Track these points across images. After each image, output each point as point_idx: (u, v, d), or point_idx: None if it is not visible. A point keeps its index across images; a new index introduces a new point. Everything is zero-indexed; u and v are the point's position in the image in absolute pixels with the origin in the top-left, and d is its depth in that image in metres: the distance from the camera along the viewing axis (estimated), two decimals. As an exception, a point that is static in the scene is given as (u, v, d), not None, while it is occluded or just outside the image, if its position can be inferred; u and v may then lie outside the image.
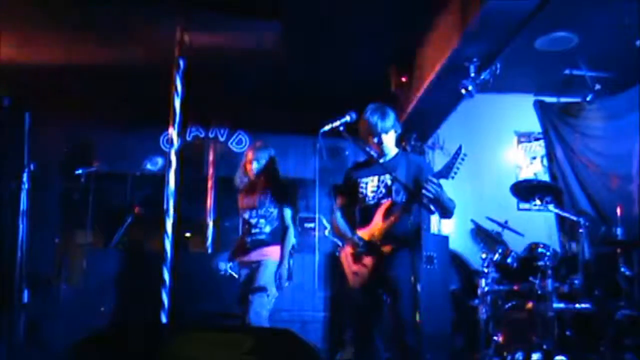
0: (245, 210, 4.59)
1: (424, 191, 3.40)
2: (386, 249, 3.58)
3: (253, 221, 4.51)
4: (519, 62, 5.92)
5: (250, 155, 4.67)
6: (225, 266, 4.56)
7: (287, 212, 4.52)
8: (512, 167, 7.27)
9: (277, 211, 4.52)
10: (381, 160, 3.74)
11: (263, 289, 4.34)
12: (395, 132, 3.78)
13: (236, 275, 4.57)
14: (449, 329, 6.03)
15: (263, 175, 4.60)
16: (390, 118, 3.72)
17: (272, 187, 4.55)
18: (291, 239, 4.48)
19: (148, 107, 6.51)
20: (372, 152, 3.73)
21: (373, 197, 3.71)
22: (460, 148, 3.41)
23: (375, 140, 3.72)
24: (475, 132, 7.05)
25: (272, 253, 4.46)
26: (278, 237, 4.48)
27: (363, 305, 3.68)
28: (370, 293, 3.64)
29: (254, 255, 4.48)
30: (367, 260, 3.62)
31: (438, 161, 6.98)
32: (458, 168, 3.40)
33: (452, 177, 3.41)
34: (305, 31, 5.85)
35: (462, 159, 3.40)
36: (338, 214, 3.91)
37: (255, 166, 4.61)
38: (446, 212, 3.66)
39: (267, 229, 4.48)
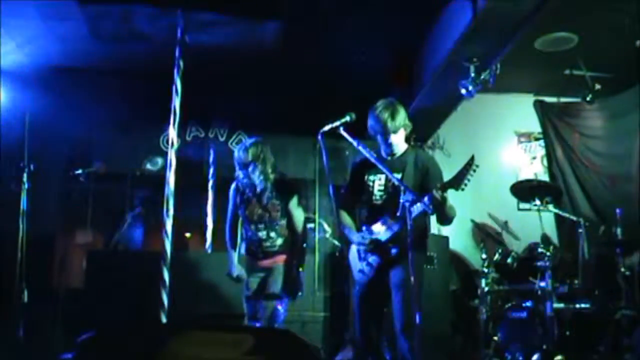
0: (254, 222, 4.46)
1: (432, 194, 3.35)
2: (391, 249, 3.56)
3: (264, 236, 4.44)
4: (519, 62, 5.93)
5: (248, 159, 4.42)
6: (239, 271, 4.48)
7: (298, 220, 4.44)
8: (512, 167, 7.27)
9: (287, 222, 4.44)
10: (389, 158, 3.71)
11: (279, 295, 4.34)
12: (406, 129, 3.72)
13: (245, 279, 4.50)
14: (449, 330, 6.02)
15: (272, 188, 4.45)
16: (400, 116, 3.64)
17: (282, 199, 4.44)
18: (302, 247, 4.44)
19: (148, 107, 6.51)
20: (374, 153, 3.69)
21: (380, 197, 3.68)
22: (472, 159, 3.34)
23: (385, 139, 3.67)
24: (475, 132, 7.05)
25: (286, 258, 4.43)
26: (289, 244, 4.45)
27: (367, 304, 3.68)
28: (374, 292, 3.64)
29: (267, 263, 4.45)
30: (372, 259, 3.62)
31: (438, 161, 6.97)
32: (469, 179, 3.33)
33: (462, 189, 3.35)
34: (305, 31, 5.85)
35: (474, 170, 3.33)
36: (343, 213, 3.85)
37: (258, 174, 4.41)
38: (445, 219, 3.63)
39: (279, 242, 4.44)
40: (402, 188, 3.53)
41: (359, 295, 3.68)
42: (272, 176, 4.43)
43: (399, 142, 3.71)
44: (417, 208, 3.43)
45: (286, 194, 4.45)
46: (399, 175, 3.59)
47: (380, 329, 3.68)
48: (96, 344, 2.15)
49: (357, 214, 3.91)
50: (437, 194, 3.32)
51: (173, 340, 2.12)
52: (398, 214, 3.55)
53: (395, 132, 3.64)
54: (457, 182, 3.35)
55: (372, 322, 3.66)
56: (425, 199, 3.35)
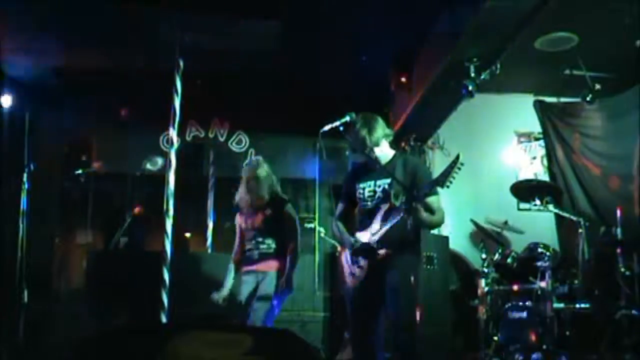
0: (250, 230, 4.60)
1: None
2: (384, 252, 3.57)
3: (259, 239, 4.55)
4: (519, 62, 5.92)
5: (250, 173, 4.62)
6: (218, 297, 4.61)
7: (292, 230, 4.57)
8: (512, 167, 7.27)
9: (280, 231, 4.55)
10: (377, 166, 3.73)
11: (269, 298, 4.38)
12: (387, 139, 3.77)
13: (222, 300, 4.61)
14: (449, 329, 6.02)
15: (266, 197, 4.59)
16: (378, 130, 3.69)
17: (275, 209, 4.58)
18: (296, 255, 4.54)
19: (148, 107, 6.52)
20: (369, 156, 3.72)
21: (371, 202, 3.71)
22: (458, 157, 3.35)
23: (368, 153, 3.71)
24: (475, 132, 7.05)
25: (279, 265, 4.52)
26: (284, 249, 4.53)
27: (360, 306, 3.68)
28: (366, 295, 3.64)
29: (261, 266, 4.51)
30: (364, 263, 3.63)
31: (438, 161, 6.99)
32: (454, 177, 3.35)
33: (448, 186, 3.37)
34: (305, 31, 5.85)
35: (459, 168, 3.34)
36: (337, 221, 3.91)
37: (256, 185, 4.57)
38: (422, 225, 3.59)
39: (274, 245, 4.52)
40: (391, 192, 3.58)
41: (352, 298, 3.70)
42: (267, 196, 4.58)
43: (383, 152, 3.76)
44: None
45: (279, 204, 4.59)
46: (387, 181, 3.64)
47: (376, 330, 3.67)
48: (96, 344, 2.15)
49: (351, 219, 3.94)
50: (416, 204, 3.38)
51: (173, 340, 2.12)
52: (388, 217, 3.57)
53: (377, 145, 3.70)
54: (442, 179, 3.37)
55: (367, 323, 3.66)
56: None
